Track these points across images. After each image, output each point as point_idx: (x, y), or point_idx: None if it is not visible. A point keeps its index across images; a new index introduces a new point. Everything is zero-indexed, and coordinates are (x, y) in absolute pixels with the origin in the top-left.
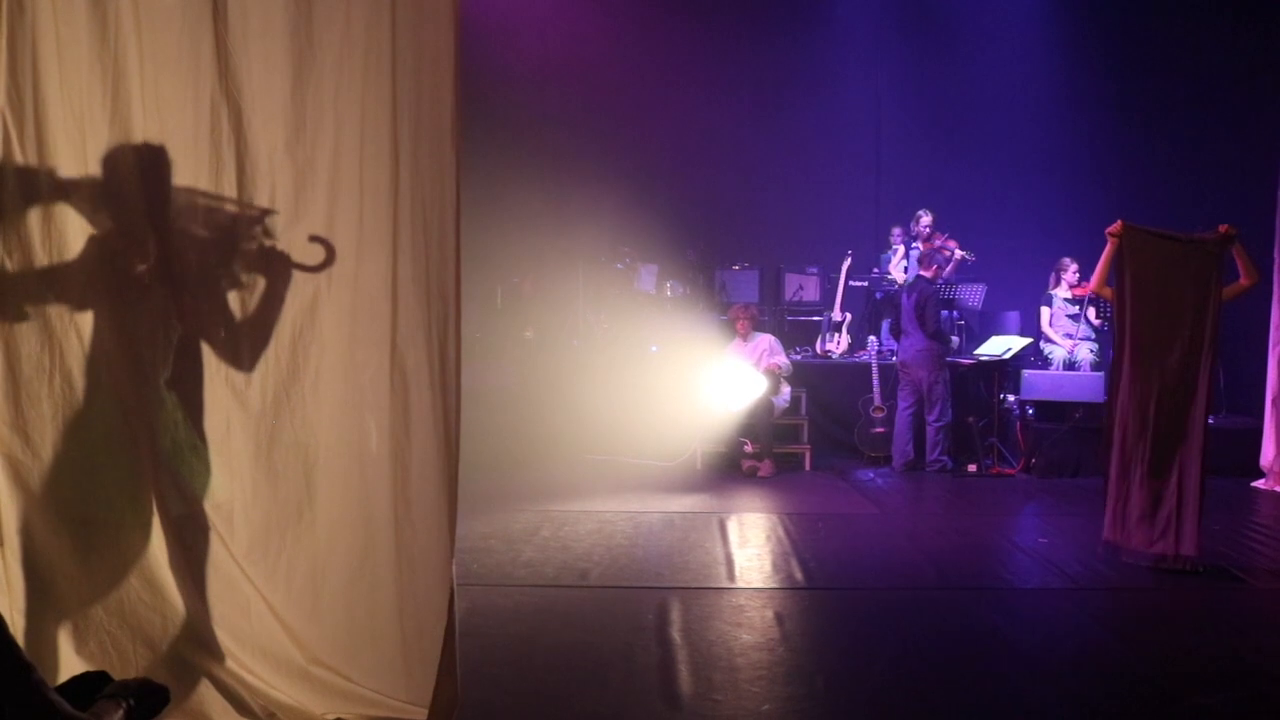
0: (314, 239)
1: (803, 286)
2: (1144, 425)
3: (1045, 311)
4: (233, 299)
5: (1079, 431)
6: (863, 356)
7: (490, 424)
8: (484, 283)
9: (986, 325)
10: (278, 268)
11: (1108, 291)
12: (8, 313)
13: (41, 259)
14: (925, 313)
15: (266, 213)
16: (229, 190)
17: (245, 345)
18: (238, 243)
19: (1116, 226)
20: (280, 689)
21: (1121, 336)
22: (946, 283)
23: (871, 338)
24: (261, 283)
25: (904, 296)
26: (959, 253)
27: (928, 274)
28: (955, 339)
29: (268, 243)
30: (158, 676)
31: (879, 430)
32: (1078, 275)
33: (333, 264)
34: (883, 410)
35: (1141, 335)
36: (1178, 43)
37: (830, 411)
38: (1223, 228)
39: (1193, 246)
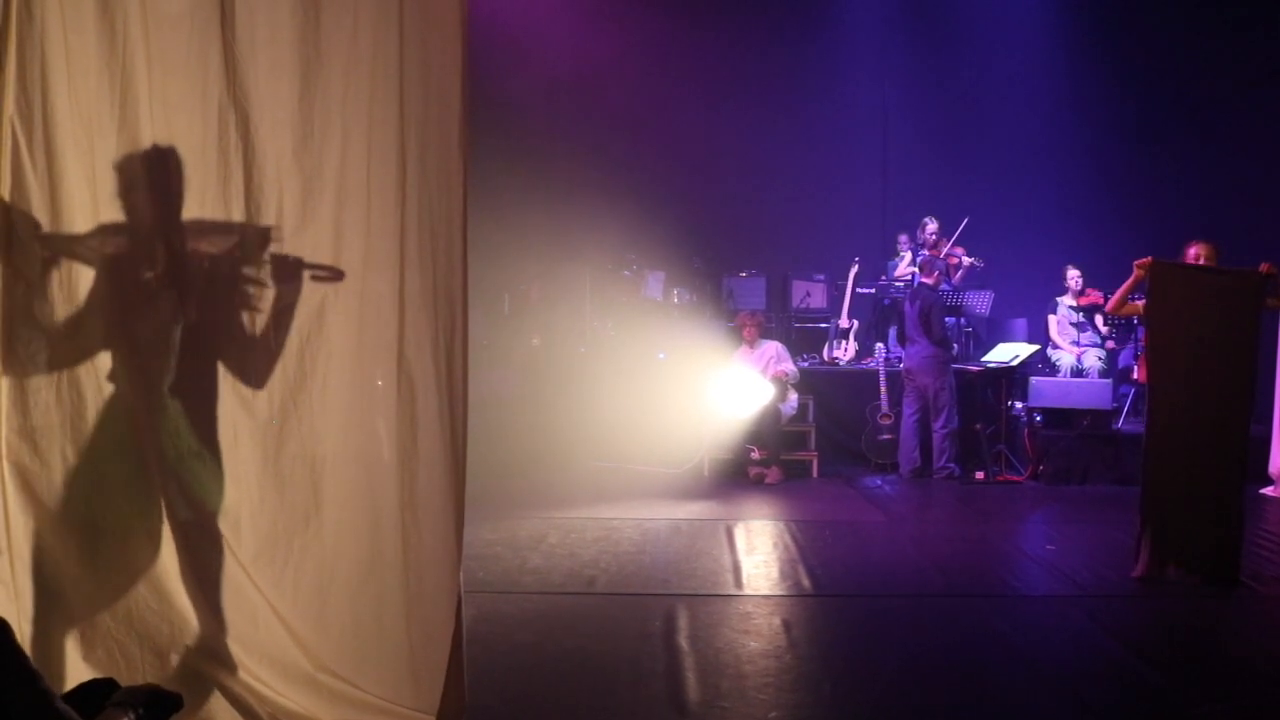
0: (316, 267)
1: (810, 293)
2: (1183, 457)
3: (1052, 320)
4: (244, 311)
5: (1087, 438)
6: (870, 363)
7: (497, 430)
8: (491, 290)
9: (994, 332)
10: (288, 278)
11: (1129, 308)
12: (16, 320)
13: (50, 266)
14: (930, 319)
15: (273, 228)
16: (236, 197)
17: (259, 360)
18: (248, 251)
19: (1146, 261)
20: (287, 696)
21: (1156, 374)
22: (955, 290)
23: (879, 345)
24: (271, 294)
25: (907, 304)
26: (966, 259)
27: (929, 281)
28: (955, 346)
29: (278, 251)
30: (165, 684)
31: (886, 437)
32: (1080, 283)
33: (341, 279)
34: (890, 417)
35: (1177, 370)
36: (1184, 52)
37: (837, 418)
38: (1264, 267)
39: (1230, 278)
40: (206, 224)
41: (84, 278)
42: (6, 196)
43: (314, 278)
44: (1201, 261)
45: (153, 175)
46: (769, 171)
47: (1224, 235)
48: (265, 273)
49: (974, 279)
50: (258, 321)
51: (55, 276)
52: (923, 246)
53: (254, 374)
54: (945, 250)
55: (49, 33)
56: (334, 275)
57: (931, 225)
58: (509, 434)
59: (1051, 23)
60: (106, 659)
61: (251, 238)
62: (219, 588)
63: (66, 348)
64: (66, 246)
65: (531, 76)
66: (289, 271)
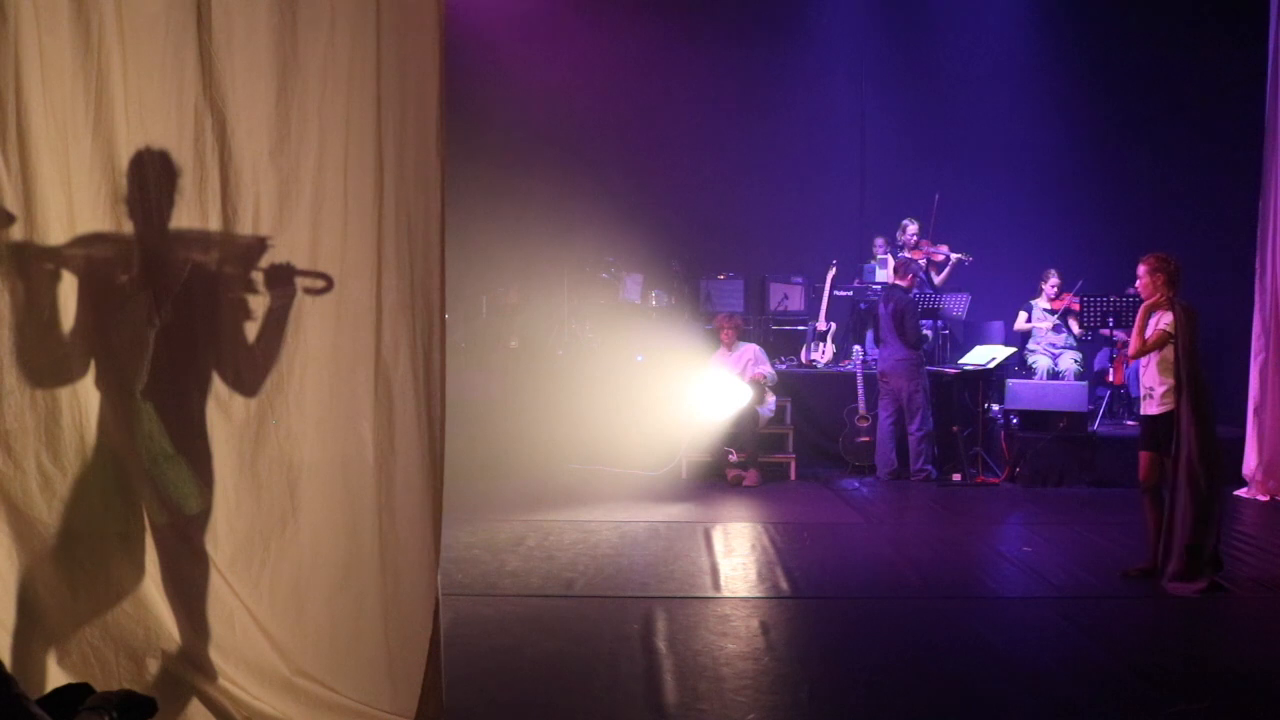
0: (309, 274)
1: (787, 296)
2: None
3: (1022, 315)
4: (227, 315)
5: (1063, 441)
6: (847, 366)
7: (475, 434)
8: (469, 293)
9: (971, 335)
10: (280, 284)
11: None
12: None
13: (24, 268)
14: (905, 322)
15: (262, 240)
16: (213, 200)
17: (247, 366)
18: (229, 255)
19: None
20: (264, 700)
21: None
22: (935, 292)
23: (856, 347)
24: (258, 299)
25: (881, 306)
26: (953, 255)
27: (903, 284)
28: (927, 336)
29: (273, 262)
30: (141, 688)
31: (864, 439)
32: (1056, 289)
33: (331, 286)
34: (867, 419)
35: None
36: (1161, 54)
37: (815, 421)
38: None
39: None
40: (183, 227)
41: (58, 280)
42: None
43: (306, 290)
44: (1142, 280)
45: (128, 178)
46: (747, 174)
47: (1211, 237)
48: (254, 277)
49: (951, 282)
50: (244, 327)
51: (29, 278)
52: (903, 248)
53: (245, 381)
54: (927, 249)
55: (23, 34)
56: (326, 283)
57: (912, 227)
58: (487, 437)
59: (1031, 23)
60: (82, 664)
61: (236, 242)
62: (195, 592)
63: (40, 350)
64: (40, 248)
65: (510, 79)
66: (281, 277)
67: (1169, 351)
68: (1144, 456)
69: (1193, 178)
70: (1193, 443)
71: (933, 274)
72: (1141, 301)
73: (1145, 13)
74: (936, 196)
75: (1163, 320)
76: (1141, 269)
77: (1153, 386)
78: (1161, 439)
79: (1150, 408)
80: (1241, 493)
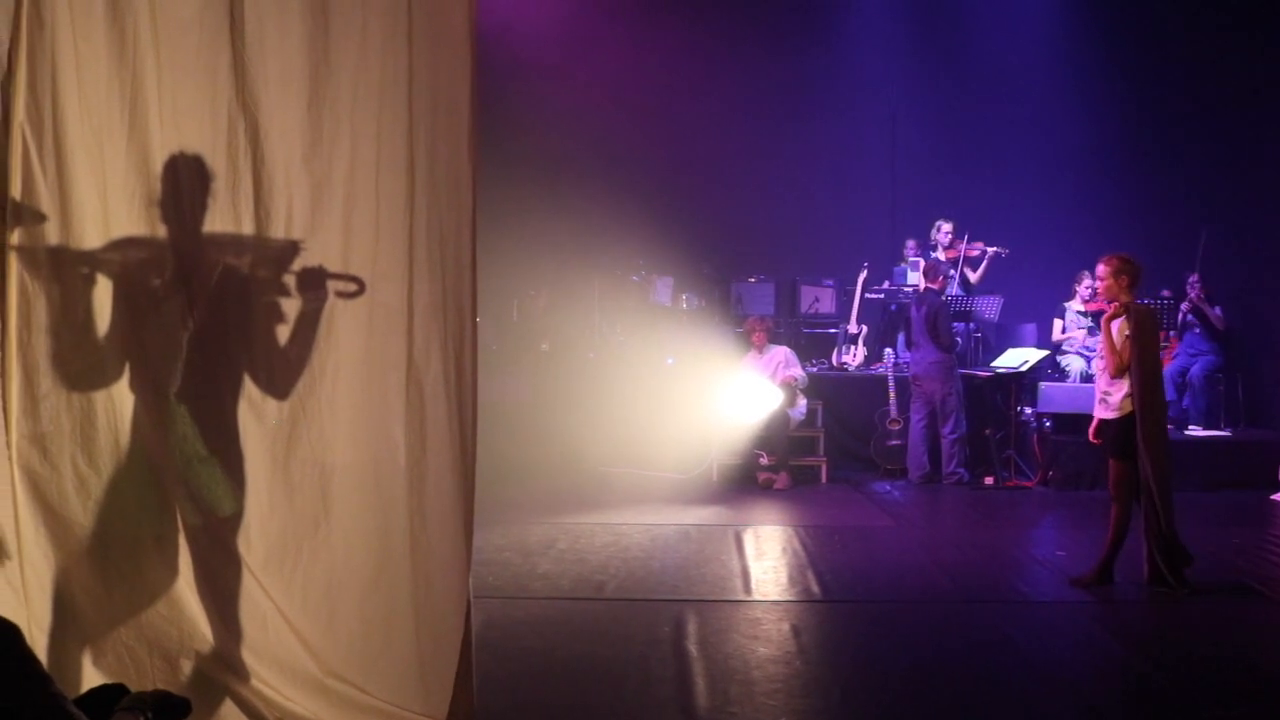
0: (340, 277)
1: (818, 299)
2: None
3: (1058, 323)
4: (259, 318)
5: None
6: (878, 369)
7: (506, 437)
8: (500, 296)
9: (1003, 338)
10: (311, 287)
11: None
12: (25, 327)
13: (60, 272)
14: (937, 324)
15: (295, 243)
16: (245, 203)
17: (280, 369)
18: (262, 258)
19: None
20: (296, 701)
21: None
22: (969, 294)
23: (887, 350)
24: (290, 302)
25: (913, 309)
26: (990, 249)
27: (935, 286)
28: (958, 341)
29: (305, 265)
30: (174, 689)
31: (895, 443)
32: (1091, 290)
33: (363, 290)
34: (899, 423)
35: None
36: (1196, 52)
37: (846, 424)
38: None
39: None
40: (217, 230)
41: (93, 283)
42: (17, 201)
43: (338, 293)
44: (1104, 282)
45: (162, 181)
46: (777, 176)
47: (1249, 238)
48: (286, 280)
49: (985, 284)
50: (276, 330)
51: (65, 281)
52: (936, 248)
53: (277, 384)
54: (963, 247)
55: (59, 40)
56: (358, 286)
57: (946, 226)
58: (518, 439)
59: (1062, 21)
60: (116, 664)
61: (269, 246)
62: (228, 593)
63: (75, 353)
64: (76, 252)
65: (541, 84)
66: (313, 280)
67: (1126, 354)
68: (1111, 464)
69: (1229, 177)
70: (1147, 448)
71: (968, 271)
72: (1113, 303)
73: (1180, 10)
74: (966, 236)
75: (1125, 329)
76: (1103, 270)
77: (1109, 391)
78: (1119, 444)
79: (1106, 412)
80: (1277, 497)
